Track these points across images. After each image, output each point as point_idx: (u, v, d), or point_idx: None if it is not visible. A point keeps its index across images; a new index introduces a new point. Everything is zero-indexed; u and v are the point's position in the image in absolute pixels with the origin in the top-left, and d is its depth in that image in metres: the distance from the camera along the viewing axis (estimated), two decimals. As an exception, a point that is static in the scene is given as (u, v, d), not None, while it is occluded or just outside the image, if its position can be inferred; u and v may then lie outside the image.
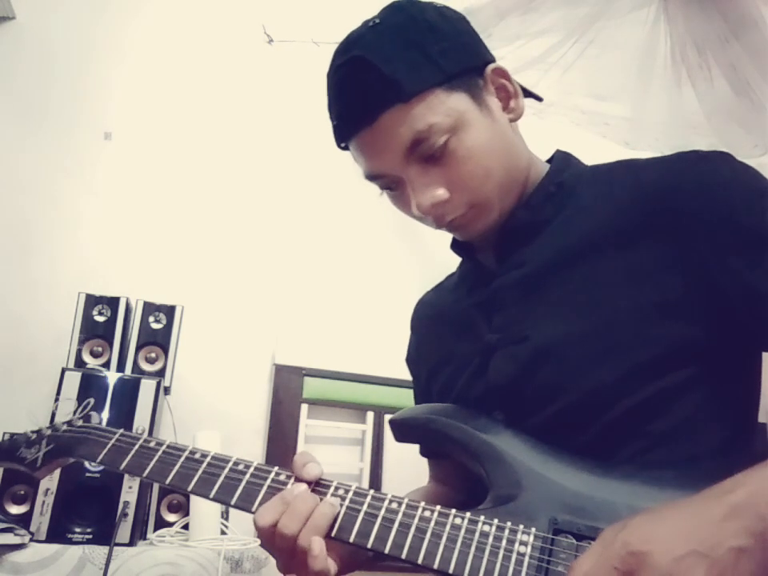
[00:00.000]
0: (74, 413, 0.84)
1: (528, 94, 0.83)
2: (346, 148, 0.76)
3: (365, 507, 0.64)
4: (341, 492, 0.66)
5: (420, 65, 0.69)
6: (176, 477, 0.70)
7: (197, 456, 0.72)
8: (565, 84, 2.12)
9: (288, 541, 0.63)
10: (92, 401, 0.86)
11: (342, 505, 0.65)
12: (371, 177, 0.75)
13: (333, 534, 0.64)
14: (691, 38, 1.97)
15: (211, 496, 0.68)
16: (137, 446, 0.74)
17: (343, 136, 0.74)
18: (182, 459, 0.71)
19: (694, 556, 0.46)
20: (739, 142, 2.12)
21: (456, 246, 0.87)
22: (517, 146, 0.77)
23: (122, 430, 0.78)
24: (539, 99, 0.84)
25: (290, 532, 0.62)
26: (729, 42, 1.92)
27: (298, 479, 0.67)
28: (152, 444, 0.74)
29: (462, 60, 0.72)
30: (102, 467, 1.50)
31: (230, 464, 0.70)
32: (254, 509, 0.67)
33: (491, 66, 0.75)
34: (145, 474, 0.72)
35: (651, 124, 2.25)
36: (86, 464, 1.50)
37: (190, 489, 0.69)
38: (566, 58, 2.05)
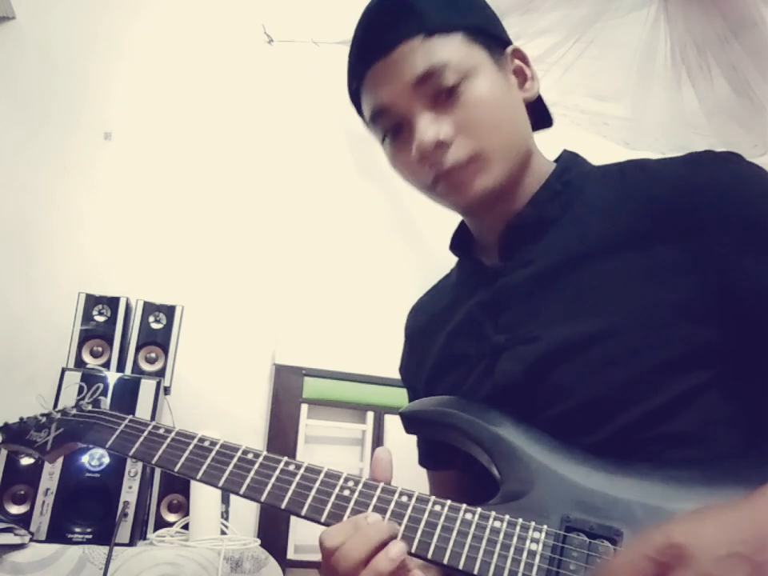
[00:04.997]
0: (84, 397, 0.84)
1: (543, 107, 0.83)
2: (357, 92, 0.77)
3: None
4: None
5: (449, 7, 0.73)
6: (185, 464, 0.70)
7: (206, 444, 0.71)
8: (565, 84, 2.12)
9: (351, 569, 0.58)
10: (101, 386, 0.86)
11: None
12: (377, 112, 0.74)
13: None
14: (691, 38, 1.97)
15: (220, 485, 0.68)
16: (146, 433, 0.74)
17: (360, 68, 0.75)
18: (191, 447, 0.71)
19: (737, 558, 0.44)
20: (739, 141, 2.12)
21: (455, 246, 0.86)
22: (525, 124, 0.77)
23: (131, 416, 0.78)
24: (548, 124, 0.85)
25: (354, 558, 0.58)
26: (729, 42, 1.92)
27: (372, 480, 0.66)
28: (161, 431, 0.74)
29: (487, 24, 0.76)
30: (102, 467, 1.50)
31: (239, 453, 0.69)
32: (263, 498, 0.66)
33: (512, 47, 0.78)
34: (154, 461, 0.72)
35: (651, 124, 2.25)
36: (86, 463, 1.50)
37: (198, 477, 0.69)
38: (566, 58, 2.05)
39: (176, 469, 0.70)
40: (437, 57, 0.70)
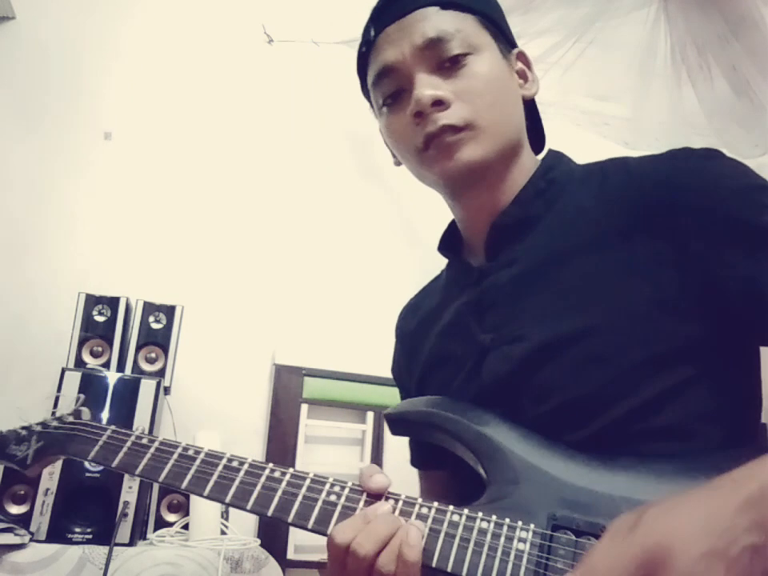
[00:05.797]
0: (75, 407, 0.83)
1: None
2: (365, 56, 0.79)
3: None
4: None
5: None
6: (169, 474, 0.69)
7: (190, 453, 0.70)
8: (565, 84, 2.12)
9: (361, 562, 0.58)
10: (83, 397, 0.85)
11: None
12: (382, 72, 0.76)
13: None
14: (691, 38, 1.97)
15: (205, 494, 0.67)
16: (128, 443, 0.73)
17: (374, 30, 0.77)
18: (175, 456, 0.70)
19: (712, 557, 0.44)
20: (739, 141, 2.12)
21: (444, 247, 0.86)
22: (519, 116, 0.79)
23: (113, 427, 0.77)
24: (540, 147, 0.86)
25: (363, 552, 0.58)
26: (729, 42, 1.92)
27: (367, 492, 0.64)
28: (144, 440, 0.73)
29: (500, 20, 0.79)
30: (102, 467, 1.50)
31: (224, 461, 0.69)
32: (248, 506, 0.66)
33: (518, 49, 0.81)
34: (137, 472, 0.71)
35: (651, 124, 2.25)
36: (86, 464, 1.50)
37: (183, 486, 0.68)
38: (566, 58, 2.05)
39: (160, 479, 0.69)
40: (448, 25, 0.73)
